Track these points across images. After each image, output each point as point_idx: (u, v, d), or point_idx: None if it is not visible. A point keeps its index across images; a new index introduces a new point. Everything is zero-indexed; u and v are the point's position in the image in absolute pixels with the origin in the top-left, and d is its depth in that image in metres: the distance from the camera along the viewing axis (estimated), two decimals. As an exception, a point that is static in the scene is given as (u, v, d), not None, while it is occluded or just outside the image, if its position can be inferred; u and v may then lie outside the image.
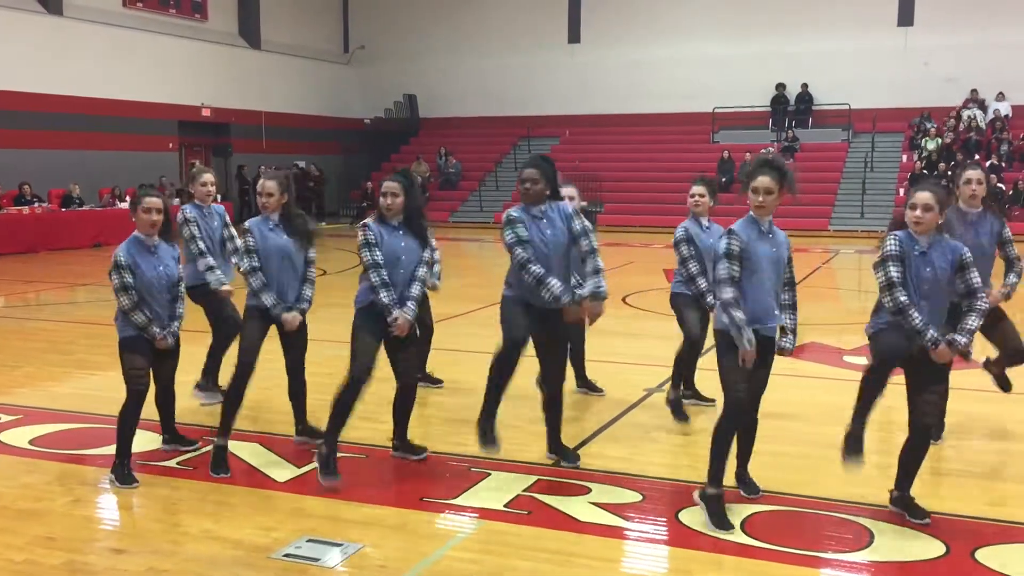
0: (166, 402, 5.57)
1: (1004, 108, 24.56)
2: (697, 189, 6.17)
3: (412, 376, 5.38)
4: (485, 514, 4.66)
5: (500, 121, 29.09)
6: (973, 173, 5.71)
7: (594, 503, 4.79)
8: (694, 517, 4.61)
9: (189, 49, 24.65)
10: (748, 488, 4.89)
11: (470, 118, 29.52)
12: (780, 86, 26.59)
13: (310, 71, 28.86)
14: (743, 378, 4.45)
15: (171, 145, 24.44)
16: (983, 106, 24.95)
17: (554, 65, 28.51)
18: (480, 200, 26.30)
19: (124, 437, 5.12)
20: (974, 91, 25.02)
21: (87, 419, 6.39)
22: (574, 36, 28.85)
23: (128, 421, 5.11)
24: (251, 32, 27.12)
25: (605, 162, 25.81)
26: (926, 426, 4.49)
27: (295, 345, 5.66)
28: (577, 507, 4.72)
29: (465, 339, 8.95)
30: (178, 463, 5.46)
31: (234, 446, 5.70)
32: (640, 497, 4.90)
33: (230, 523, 4.55)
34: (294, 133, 27.58)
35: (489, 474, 5.21)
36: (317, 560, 4.11)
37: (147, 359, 5.17)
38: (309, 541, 4.31)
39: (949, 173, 22.52)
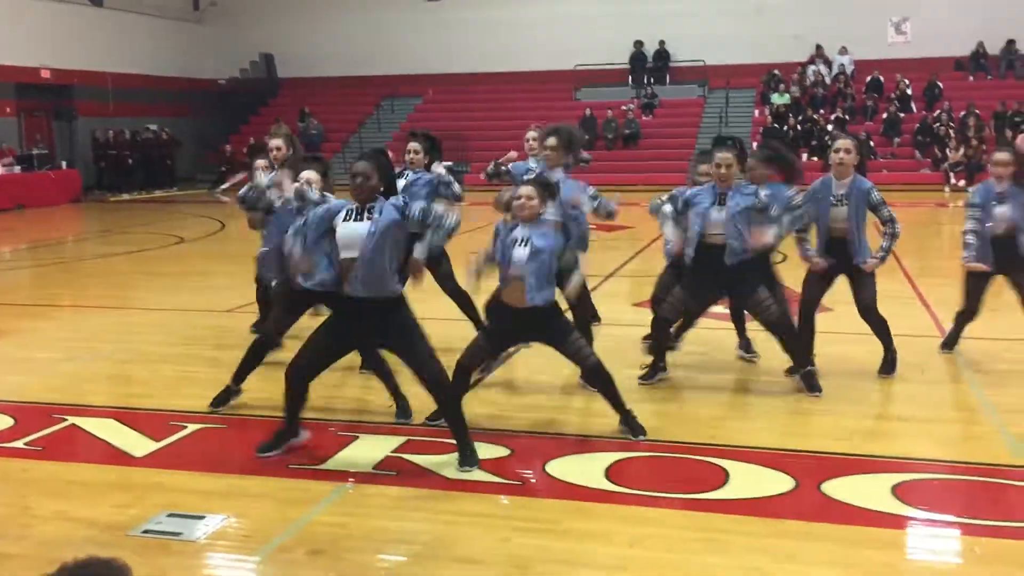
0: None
1: (847, 62, 25.69)
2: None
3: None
4: (353, 477, 4.63)
5: (362, 81, 28.48)
6: (841, 143, 5.98)
7: (463, 460, 4.82)
8: (562, 468, 4.71)
9: (24, 6, 23.05)
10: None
11: (331, 78, 28.78)
12: (638, 43, 27.02)
13: (159, 29, 27.49)
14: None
15: (8, 110, 22.93)
16: (828, 62, 26.03)
17: (416, 24, 28.08)
18: (344, 162, 25.71)
19: None
20: (819, 47, 26.06)
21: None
22: (435, -7, 28.48)
23: None
24: (92, -12, 25.58)
25: (470, 121, 25.71)
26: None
27: None
28: (446, 466, 4.74)
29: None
30: (26, 443, 5.19)
31: (86, 423, 5.49)
32: (508, 452, 4.96)
33: (84, 502, 4.37)
34: (144, 95, 26.27)
35: (357, 437, 5.18)
36: (179, 535, 4.00)
37: None
38: (170, 516, 4.18)
39: (799, 128, 23.49)
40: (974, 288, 6.51)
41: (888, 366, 6.20)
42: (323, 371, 4.88)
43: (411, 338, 4.71)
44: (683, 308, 5.96)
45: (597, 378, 5.19)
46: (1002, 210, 6.32)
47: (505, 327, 5.16)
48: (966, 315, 6.63)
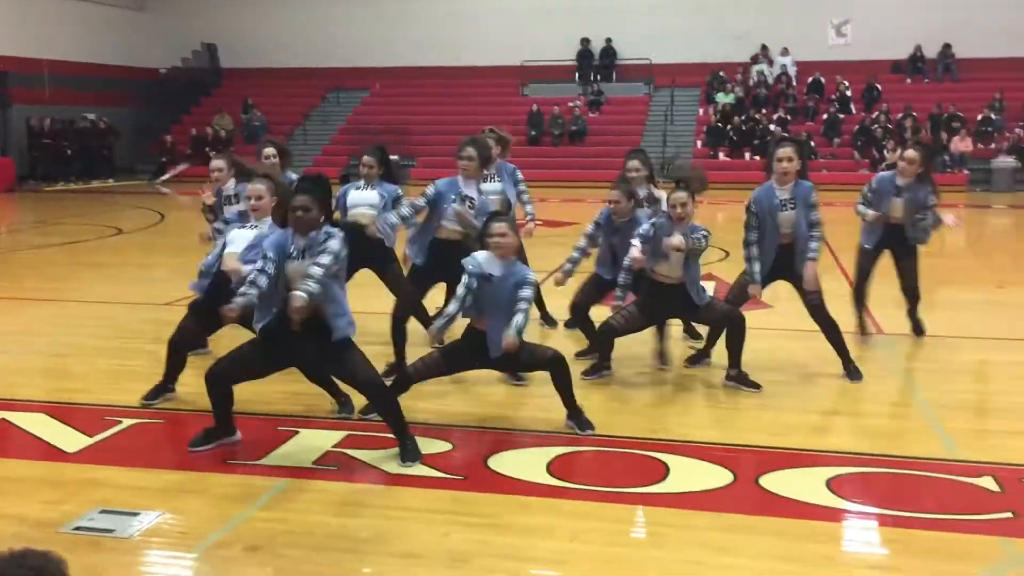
0: None
1: (789, 63, 26.07)
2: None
3: None
4: (293, 472, 4.57)
5: (308, 73, 28.15)
6: (784, 151, 6.02)
7: (404, 455, 4.79)
8: (504, 463, 4.71)
9: (-45, -11, 22.39)
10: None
11: (276, 69, 28.39)
12: (584, 41, 27.12)
13: (98, 16, 26.84)
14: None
15: (-62, 97, 22.24)
16: (771, 62, 26.40)
17: (362, 16, 27.82)
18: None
19: None
20: (764, 47, 26.42)
21: None
22: (383, -14, 28.27)
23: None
24: (28, -28, 24.89)
25: (416, 115, 25.58)
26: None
27: None
28: (387, 460, 4.71)
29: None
30: (-47, 439, 5.04)
31: (18, 418, 5.35)
32: (450, 447, 4.95)
33: (14, 499, 4.25)
34: (82, 83, 25.65)
35: (297, 432, 5.12)
36: (111, 532, 3.91)
37: None
38: (103, 512, 4.09)
39: (743, 128, 23.76)
40: (863, 263, 7.02)
41: (852, 372, 6.15)
42: (243, 382, 4.82)
43: (346, 344, 4.65)
44: (635, 326, 6.00)
45: (557, 369, 5.15)
46: (898, 201, 6.78)
47: (469, 350, 5.12)
48: (858, 294, 7.12)
